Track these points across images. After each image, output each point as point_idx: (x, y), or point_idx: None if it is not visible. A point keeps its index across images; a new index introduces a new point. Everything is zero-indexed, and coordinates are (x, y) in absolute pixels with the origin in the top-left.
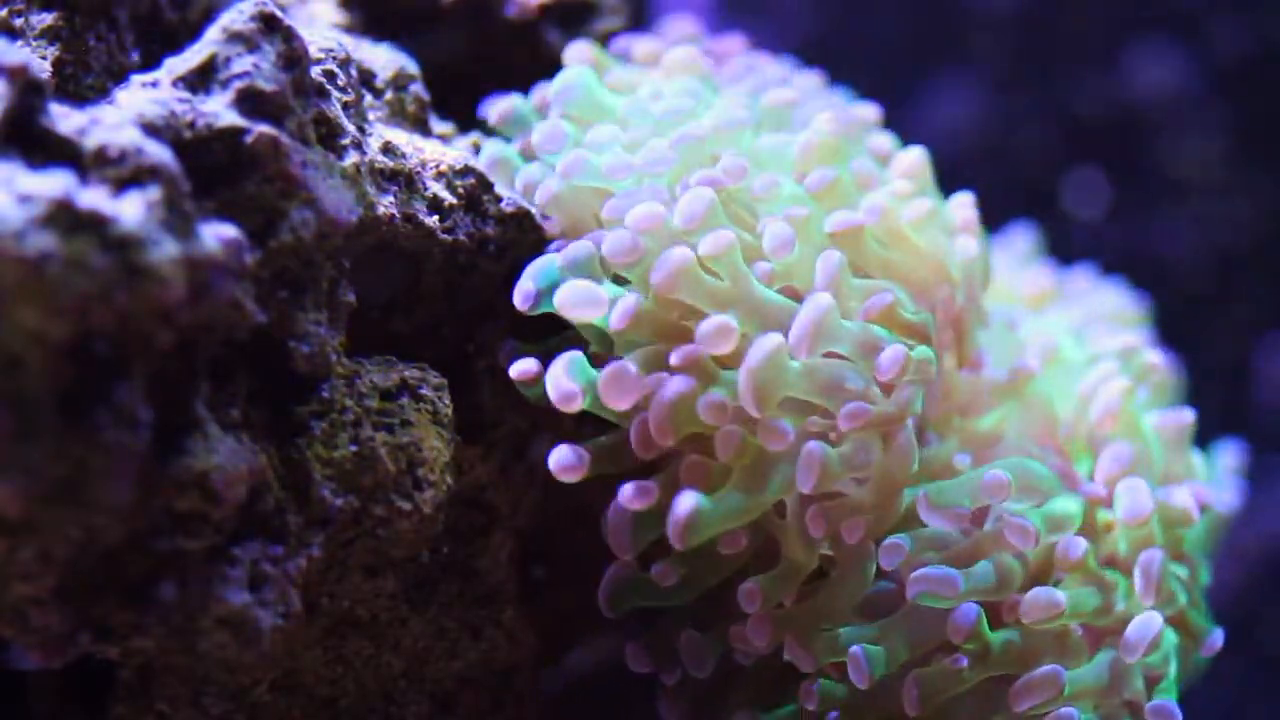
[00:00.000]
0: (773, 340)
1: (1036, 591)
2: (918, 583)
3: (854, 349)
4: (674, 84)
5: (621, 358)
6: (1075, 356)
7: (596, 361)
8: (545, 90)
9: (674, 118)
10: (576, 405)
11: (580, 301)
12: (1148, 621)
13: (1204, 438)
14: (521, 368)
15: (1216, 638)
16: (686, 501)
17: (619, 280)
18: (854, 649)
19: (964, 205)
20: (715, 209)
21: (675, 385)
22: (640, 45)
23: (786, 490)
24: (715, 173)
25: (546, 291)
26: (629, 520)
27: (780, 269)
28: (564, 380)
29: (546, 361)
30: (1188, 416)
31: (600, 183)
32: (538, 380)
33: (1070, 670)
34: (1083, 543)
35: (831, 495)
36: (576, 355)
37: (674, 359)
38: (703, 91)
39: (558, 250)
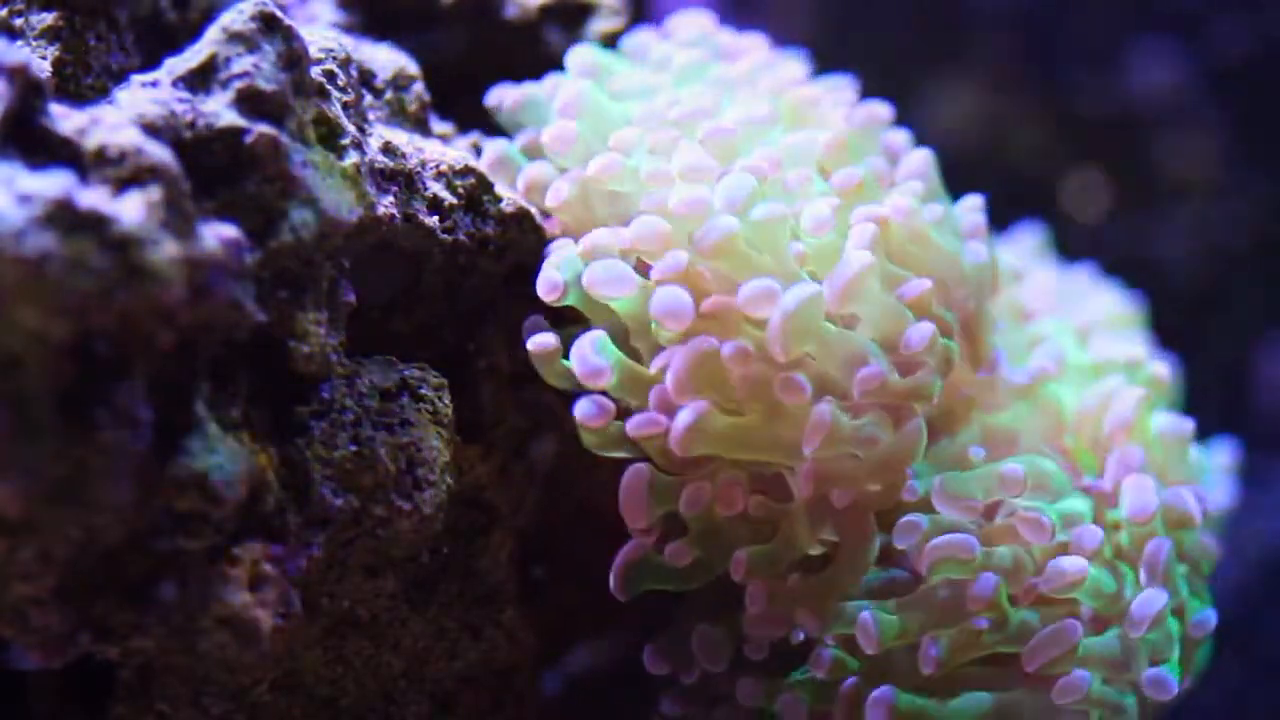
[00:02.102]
0: (810, 288)
1: (1060, 559)
2: (934, 551)
3: (882, 318)
4: (690, 89)
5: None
6: (1079, 360)
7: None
8: (551, 86)
9: (694, 119)
10: (603, 381)
11: (610, 279)
12: (1151, 598)
13: (1204, 438)
14: (539, 341)
15: (1208, 616)
16: (697, 407)
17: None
18: (863, 615)
19: (972, 211)
20: (757, 192)
21: (695, 342)
22: (655, 47)
23: (793, 448)
24: (755, 162)
25: (572, 282)
26: (645, 486)
27: (811, 251)
28: (591, 356)
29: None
30: (1188, 425)
31: (634, 188)
32: (554, 357)
33: (1084, 639)
34: (1098, 531)
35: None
36: (601, 333)
37: (703, 307)
38: (719, 95)
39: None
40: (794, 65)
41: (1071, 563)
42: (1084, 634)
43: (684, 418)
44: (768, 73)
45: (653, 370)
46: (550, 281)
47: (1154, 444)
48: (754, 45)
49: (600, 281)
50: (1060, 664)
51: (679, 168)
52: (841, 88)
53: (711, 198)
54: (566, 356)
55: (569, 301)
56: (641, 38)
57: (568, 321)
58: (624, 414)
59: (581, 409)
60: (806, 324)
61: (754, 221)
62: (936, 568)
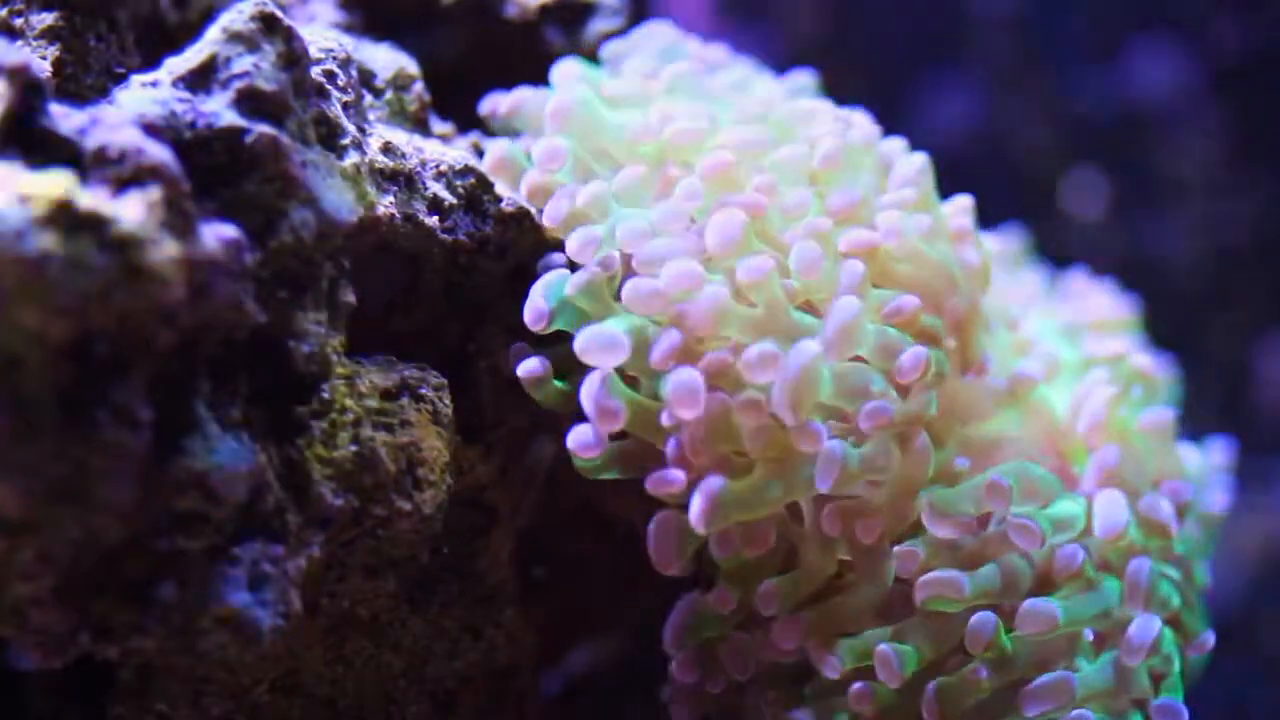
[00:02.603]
0: (808, 350)
1: (1032, 603)
2: (925, 588)
3: (875, 352)
4: (679, 106)
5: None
6: (1070, 360)
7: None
8: (542, 94)
9: (688, 138)
10: (618, 423)
11: (601, 347)
12: (1146, 625)
13: (1204, 438)
14: (529, 367)
15: (1207, 638)
16: (712, 484)
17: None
18: (882, 647)
19: (960, 214)
20: (748, 234)
21: (710, 401)
22: (629, 61)
23: (808, 487)
24: (751, 195)
25: (558, 310)
26: (675, 532)
27: (802, 286)
28: (605, 398)
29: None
30: (1169, 415)
31: (616, 246)
32: (545, 381)
33: (1078, 673)
34: (1080, 552)
35: (848, 496)
36: (610, 374)
37: (703, 367)
38: (711, 111)
39: (562, 261)
40: (768, 79)
41: (1041, 608)
42: (1081, 656)
43: (700, 502)
44: (756, 83)
45: (665, 423)
46: (536, 311)
47: (1135, 438)
48: (720, 56)
49: (591, 351)
50: (1060, 710)
51: (656, 220)
52: (817, 96)
53: (699, 269)
54: (558, 376)
55: (556, 327)
56: (618, 47)
57: (558, 341)
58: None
59: (575, 439)
60: (810, 386)
61: (743, 282)
62: (927, 604)
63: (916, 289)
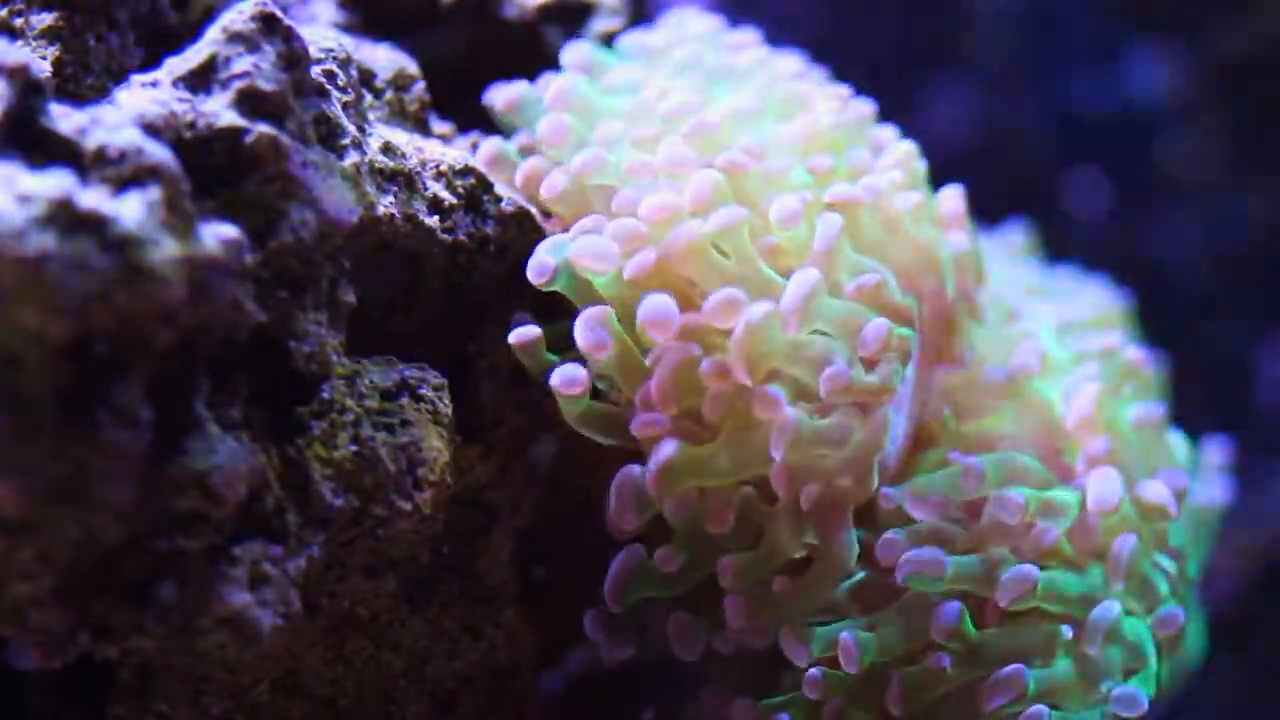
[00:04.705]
0: (763, 307)
1: (1014, 569)
2: (906, 565)
3: (839, 326)
4: (680, 82)
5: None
6: (1062, 356)
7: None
8: (545, 83)
9: (682, 112)
10: (605, 354)
11: (596, 254)
12: (1105, 608)
13: (1203, 438)
14: (522, 332)
15: (1174, 614)
16: (667, 447)
17: None
18: (844, 635)
19: (951, 198)
20: (723, 190)
21: (679, 349)
22: (652, 40)
23: (763, 461)
24: (735, 154)
25: (563, 266)
26: (634, 489)
27: (784, 243)
28: (595, 326)
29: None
30: (1160, 410)
31: (617, 182)
32: (539, 347)
33: (1044, 668)
34: (1054, 530)
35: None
36: (607, 309)
37: (677, 326)
38: (710, 89)
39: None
40: (790, 60)
41: (1021, 570)
42: (1059, 650)
43: (653, 465)
44: (763, 68)
45: (649, 362)
46: (540, 265)
47: (1127, 433)
48: (749, 41)
49: (585, 255)
50: (1016, 705)
51: (661, 162)
52: (833, 84)
53: (683, 201)
54: (552, 349)
55: (558, 286)
56: (639, 36)
57: (559, 317)
58: (599, 394)
59: (561, 376)
60: (765, 344)
61: (714, 229)
62: (909, 582)
63: (893, 265)
